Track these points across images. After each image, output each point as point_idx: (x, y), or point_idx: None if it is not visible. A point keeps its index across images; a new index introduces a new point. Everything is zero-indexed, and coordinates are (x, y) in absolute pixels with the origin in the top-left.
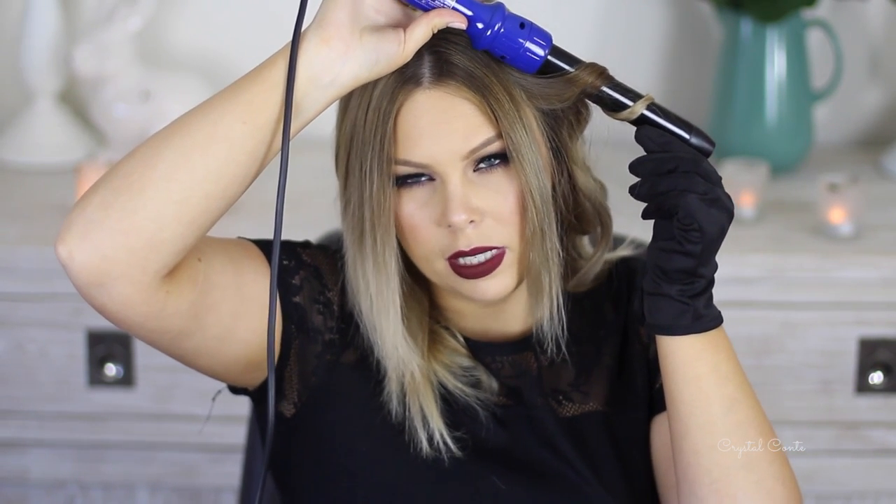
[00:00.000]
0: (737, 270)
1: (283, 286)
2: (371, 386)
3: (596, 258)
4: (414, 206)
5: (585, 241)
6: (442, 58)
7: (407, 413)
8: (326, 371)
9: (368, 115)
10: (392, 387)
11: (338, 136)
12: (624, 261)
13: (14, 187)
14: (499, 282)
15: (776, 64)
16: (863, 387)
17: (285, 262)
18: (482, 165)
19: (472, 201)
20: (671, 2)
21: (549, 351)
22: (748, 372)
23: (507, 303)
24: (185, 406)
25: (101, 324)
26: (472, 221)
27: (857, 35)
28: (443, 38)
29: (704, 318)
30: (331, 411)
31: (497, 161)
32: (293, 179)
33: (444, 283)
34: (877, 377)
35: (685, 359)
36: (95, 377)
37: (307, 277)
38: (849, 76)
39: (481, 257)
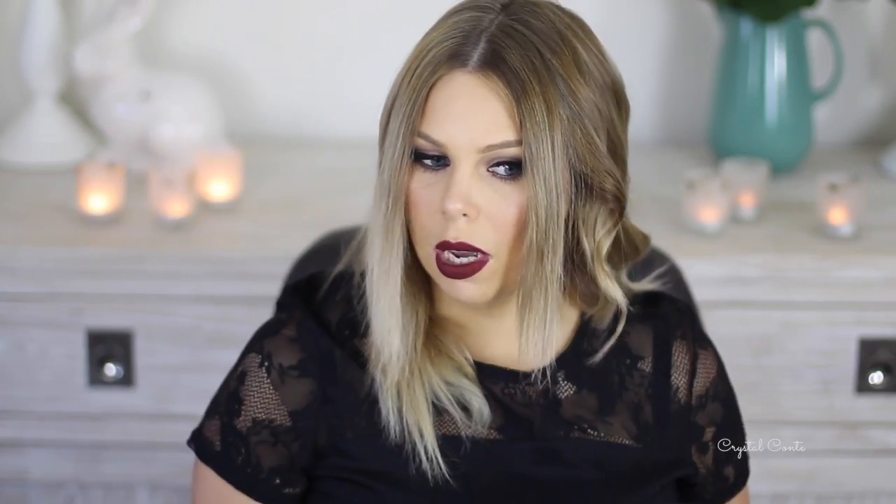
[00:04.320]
0: (737, 270)
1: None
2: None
3: (607, 311)
4: (421, 185)
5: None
6: (495, 49)
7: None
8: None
9: (413, 79)
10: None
11: (391, 88)
12: (657, 297)
13: (14, 187)
14: (477, 287)
15: (776, 64)
16: (863, 387)
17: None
18: (499, 170)
19: (474, 196)
20: (671, 2)
21: (536, 382)
22: (748, 372)
23: (505, 318)
24: (185, 406)
25: (101, 324)
26: (465, 215)
27: (857, 35)
28: (505, 31)
29: None
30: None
31: (514, 171)
32: (293, 179)
33: (430, 271)
34: (877, 377)
35: None
36: (95, 377)
37: (268, 445)
38: (849, 76)
39: (464, 259)
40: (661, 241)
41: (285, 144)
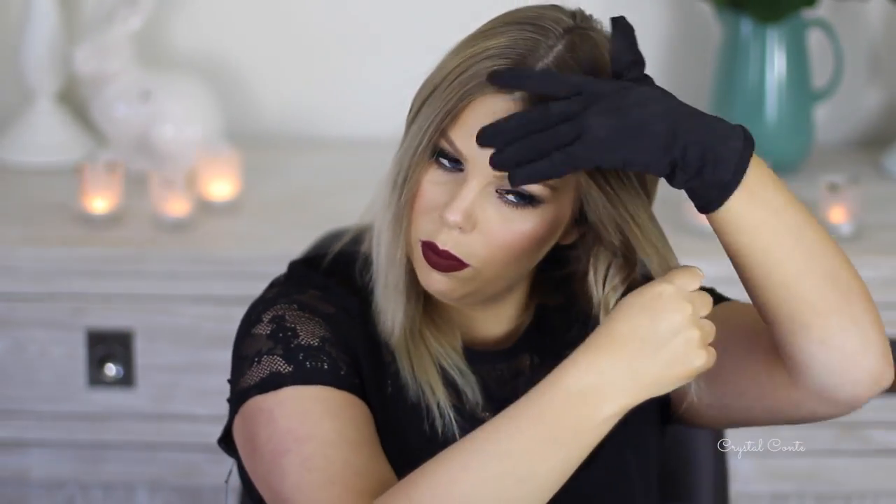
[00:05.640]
0: None
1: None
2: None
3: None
4: (432, 181)
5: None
6: None
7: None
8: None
9: (455, 82)
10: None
11: (433, 71)
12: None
13: (14, 187)
14: (448, 285)
15: (776, 64)
16: None
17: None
18: (510, 197)
19: (476, 211)
20: (671, 2)
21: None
22: None
23: (490, 310)
24: (185, 406)
25: (101, 324)
26: (461, 228)
27: (857, 35)
28: (560, 68)
29: (704, 193)
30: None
31: (523, 201)
32: (293, 179)
33: (412, 257)
34: None
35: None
36: (95, 377)
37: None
38: (849, 76)
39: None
40: None
41: (285, 144)
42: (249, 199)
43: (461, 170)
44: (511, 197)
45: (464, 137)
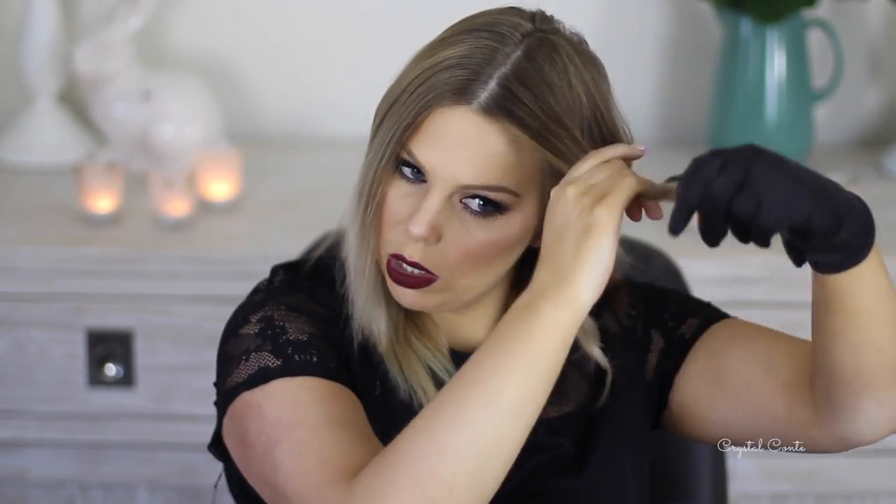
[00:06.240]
0: (737, 270)
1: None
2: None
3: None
4: (396, 194)
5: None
6: (504, 95)
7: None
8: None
9: (414, 95)
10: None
11: (394, 82)
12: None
13: (14, 187)
14: (418, 298)
15: (776, 64)
16: None
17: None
18: (472, 203)
19: (441, 222)
20: (671, 2)
21: None
22: None
23: (469, 314)
24: (185, 406)
25: (101, 324)
26: (426, 241)
27: (857, 35)
28: (518, 76)
29: (825, 264)
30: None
31: (487, 209)
32: (293, 179)
33: (383, 270)
34: None
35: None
36: (95, 377)
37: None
38: (849, 76)
39: (414, 270)
40: (662, 241)
41: (285, 144)
42: (249, 200)
43: (424, 181)
44: (475, 206)
45: (425, 149)
